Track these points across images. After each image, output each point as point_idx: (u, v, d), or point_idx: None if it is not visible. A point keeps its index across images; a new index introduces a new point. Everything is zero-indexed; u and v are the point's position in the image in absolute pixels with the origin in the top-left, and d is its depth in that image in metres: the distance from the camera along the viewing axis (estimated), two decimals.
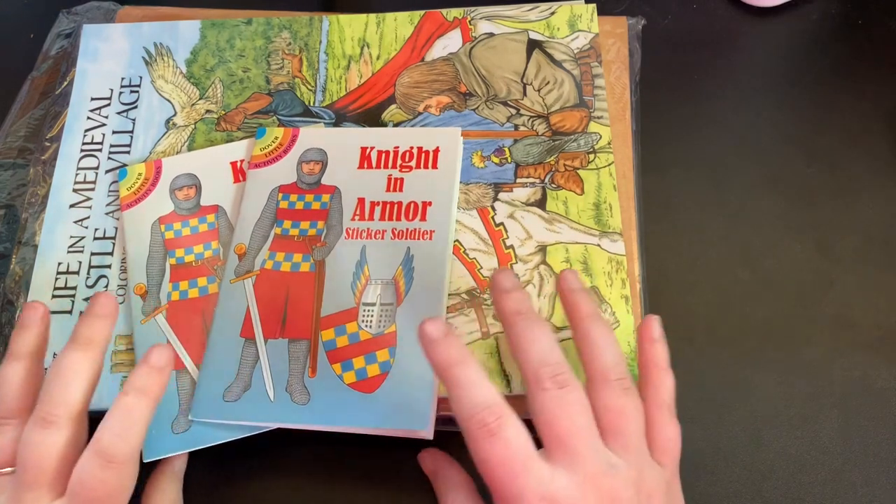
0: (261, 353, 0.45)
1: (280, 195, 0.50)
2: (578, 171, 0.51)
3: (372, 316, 0.45)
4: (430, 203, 0.48)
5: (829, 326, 0.50)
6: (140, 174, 0.51)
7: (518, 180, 0.51)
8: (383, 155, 0.50)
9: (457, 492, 0.41)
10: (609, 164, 0.51)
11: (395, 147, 0.50)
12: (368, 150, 0.50)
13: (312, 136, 0.51)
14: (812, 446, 0.46)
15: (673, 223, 0.53)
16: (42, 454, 0.36)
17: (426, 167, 0.49)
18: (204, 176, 0.51)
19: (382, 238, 0.47)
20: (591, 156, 0.51)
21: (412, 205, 0.48)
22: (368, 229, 0.47)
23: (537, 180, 0.51)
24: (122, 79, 0.56)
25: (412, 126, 0.53)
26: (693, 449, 0.46)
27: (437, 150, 0.49)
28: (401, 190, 0.48)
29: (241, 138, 0.53)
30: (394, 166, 0.49)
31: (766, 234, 0.53)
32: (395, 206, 0.48)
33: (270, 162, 0.51)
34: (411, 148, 0.49)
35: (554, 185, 0.50)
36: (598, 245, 0.48)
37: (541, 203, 0.50)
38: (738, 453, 0.46)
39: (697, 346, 0.49)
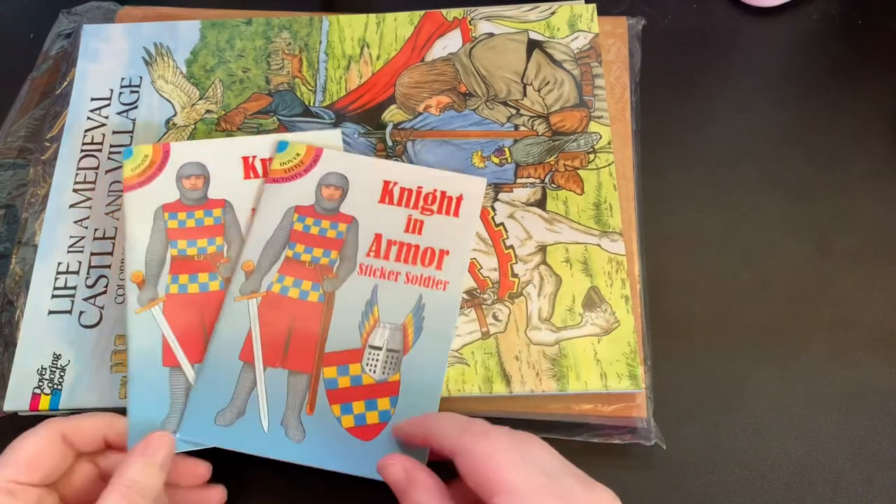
0: (258, 381, 0.44)
1: (296, 216, 0.48)
2: (578, 171, 0.51)
3: (377, 361, 0.44)
4: (447, 252, 0.47)
5: (829, 326, 0.50)
6: (146, 156, 0.50)
7: (518, 180, 0.51)
8: (406, 193, 0.48)
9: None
10: (609, 164, 0.51)
11: (419, 187, 0.48)
12: (391, 185, 0.49)
13: (336, 158, 0.50)
14: (812, 446, 0.46)
15: (673, 223, 0.53)
16: None
17: (447, 213, 0.48)
18: (213, 167, 0.50)
19: (396, 280, 0.46)
20: (591, 156, 0.51)
21: (429, 251, 0.47)
22: (383, 269, 0.46)
23: (537, 180, 0.51)
24: (122, 79, 0.56)
25: (411, 125, 0.53)
26: (693, 449, 0.46)
27: (460, 198, 0.48)
28: (420, 233, 0.47)
29: None
30: (415, 207, 0.48)
31: (766, 234, 0.53)
32: (413, 248, 0.47)
33: (290, 178, 0.49)
34: (435, 191, 0.48)
35: (554, 185, 0.50)
36: (599, 245, 0.48)
37: (541, 203, 0.50)
38: (738, 453, 0.46)
39: (697, 346, 0.49)
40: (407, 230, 0.47)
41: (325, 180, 0.49)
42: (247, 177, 0.50)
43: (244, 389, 0.44)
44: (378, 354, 0.44)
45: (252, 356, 0.45)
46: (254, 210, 0.49)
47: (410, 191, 0.48)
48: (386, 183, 0.49)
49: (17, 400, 0.46)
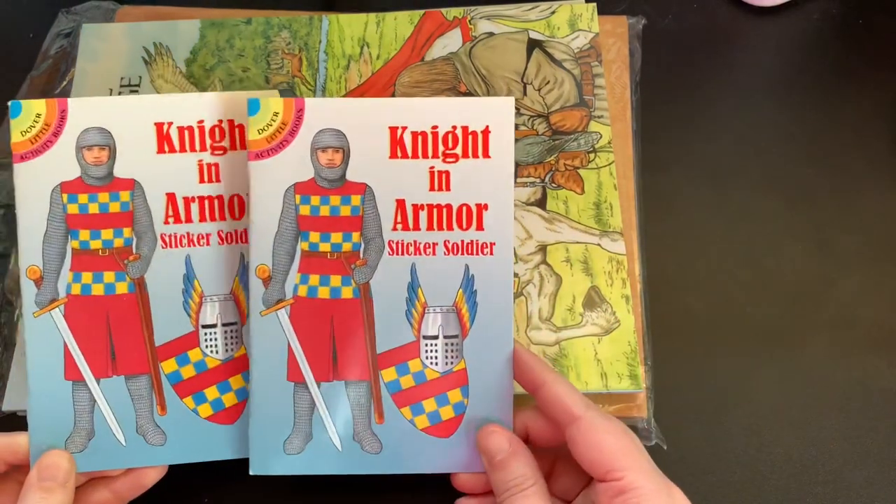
0: (316, 400, 0.40)
1: (298, 198, 0.40)
2: (579, 171, 0.51)
3: (436, 351, 0.40)
4: (485, 206, 0.40)
5: (829, 326, 0.50)
6: (39, 115, 0.41)
7: (518, 180, 0.51)
8: (420, 138, 0.40)
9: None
10: (609, 164, 0.51)
11: (434, 127, 0.40)
12: (400, 132, 0.40)
13: (324, 110, 0.41)
14: (812, 446, 0.46)
15: (673, 223, 0.53)
16: None
17: (475, 156, 0.40)
18: (121, 137, 0.41)
19: (434, 253, 0.40)
20: (592, 155, 0.51)
21: (464, 208, 0.40)
22: (416, 242, 0.40)
23: (537, 180, 0.51)
24: (122, 78, 0.56)
25: None
26: (693, 449, 0.46)
27: (486, 131, 0.40)
28: (448, 188, 0.40)
29: None
30: (435, 155, 0.40)
31: (766, 234, 0.53)
32: (444, 210, 0.40)
33: (276, 150, 0.40)
34: (454, 128, 0.40)
35: (554, 185, 0.50)
36: (599, 244, 0.48)
37: (541, 202, 0.50)
38: (738, 453, 0.46)
39: (697, 347, 0.49)
40: (432, 188, 0.40)
41: (319, 141, 0.40)
42: (160, 150, 0.41)
43: (304, 411, 0.40)
44: (436, 344, 0.40)
45: (301, 375, 0.40)
46: (248, 168, 0.41)
47: (425, 134, 0.40)
48: (392, 130, 0.40)
49: (16, 400, 0.46)
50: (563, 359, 0.45)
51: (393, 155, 0.40)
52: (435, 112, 0.40)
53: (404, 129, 0.40)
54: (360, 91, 0.55)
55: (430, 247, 0.40)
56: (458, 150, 0.40)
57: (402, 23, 0.57)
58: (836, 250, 0.52)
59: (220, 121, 0.42)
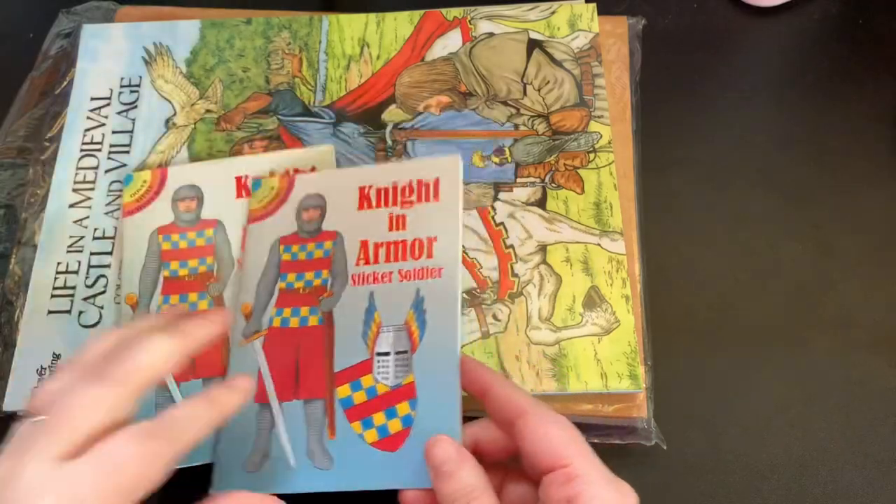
0: (276, 418, 0.43)
1: (282, 247, 0.47)
2: (579, 171, 0.51)
3: (388, 366, 0.42)
4: (434, 238, 0.44)
5: (829, 326, 0.50)
6: (145, 181, 0.51)
7: (518, 180, 0.51)
8: (382, 192, 0.46)
9: None
10: (609, 164, 0.51)
11: (394, 183, 0.46)
12: (367, 190, 0.47)
13: (309, 181, 0.49)
14: (812, 446, 0.46)
15: (673, 223, 0.53)
16: (76, 404, 0.33)
17: (427, 200, 0.45)
18: (207, 188, 0.50)
19: (390, 281, 0.44)
20: (592, 155, 0.51)
21: (417, 242, 0.44)
22: (375, 273, 0.44)
23: (537, 180, 0.51)
24: (122, 78, 0.56)
25: (411, 125, 0.53)
26: (693, 449, 0.46)
27: (437, 181, 0.45)
28: (404, 228, 0.45)
29: (241, 138, 0.53)
30: (394, 203, 0.46)
31: (766, 234, 0.53)
32: (400, 245, 0.45)
33: (269, 213, 0.49)
34: (410, 182, 0.46)
35: (554, 185, 0.50)
36: (599, 244, 0.48)
37: (541, 202, 0.50)
38: (738, 453, 0.46)
39: (697, 346, 0.49)
40: (391, 228, 0.45)
41: (304, 204, 0.48)
42: (239, 196, 0.50)
43: (264, 430, 0.43)
44: (387, 360, 0.43)
45: (266, 396, 0.44)
46: (245, 230, 0.49)
47: (386, 189, 0.46)
48: (361, 189, 0.47)
49: (16, 400, 0.46)
50: (562, 359, 0.45)
51: (360, 207, 0.47)
52: (396, 172, 0.47)
53: (370, 186, 0.47)
54: (361, 91, 0.55)
55: (386, 275, 0.44)
56: (414, 198, 0.46)
57: (402, 23, 0.57)
58: (836, 250, 0.52)
59: (287, 170, 0.51)
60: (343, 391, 0.43)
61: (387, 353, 0.43)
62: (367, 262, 0.45)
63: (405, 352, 0.42)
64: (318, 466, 0.42)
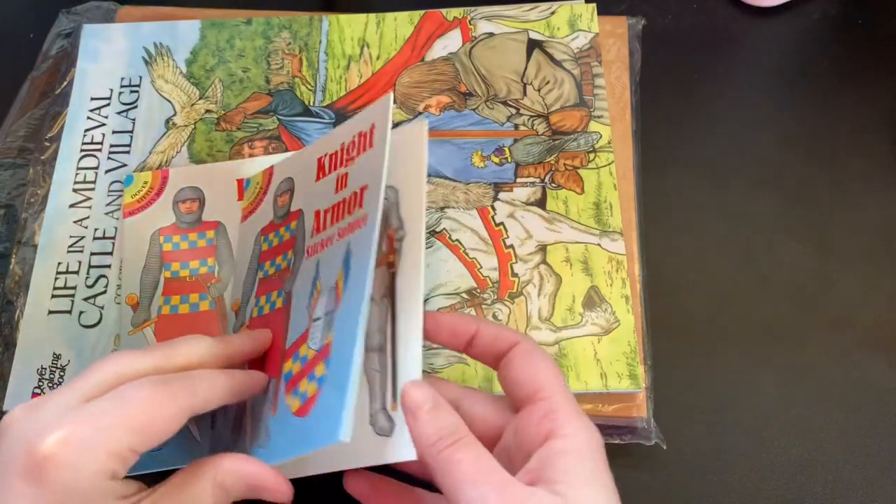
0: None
1: (262, 238, 0.47)
2: (578, 171, 0.51)
3: (317, 330, 0.39)
4: (366, 186, 0.40)
5: (829, 326, 0.50)
6: (146, 182, 0.51)
7: (518, 180, 0.51)
8: (335, 158, 0.44)
9: None
10: (609, 164, 0.51)
11: (342, 144, 0.43)
12: (323, 159, 0.45)
13: (284, 167, 0.48)
14: (812, 446, 0.46)
15: (673, 223, 0.53)
16: (108, 358, 0.36)
17: (364, 150, 0.41)
18: (209, 191, 0.50)
19: (332, 244, 0.41)
20: (592, 155, 0.51)
21: (353, 196, 0.41)
22: (322, 240, 0.42)
23: (537, 180, 0.51)
24: (122, 79, 0.56)
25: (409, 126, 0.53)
26: (693, 449, 0.46)
27: (372, 128, 0.41)
28: (345, 186, 0.42)
29: (241, 138, 0.53)
30: (342, 164, 0.43)
31: (766, 234, 0.53)
32: (341, 204, 0.42)
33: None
34: (353, 138, 0.43)
35: (554, 185, 0.50)
36: (599, 244, 0.48)
37: (541, 202, 0.50)
38: (738, 453, 0.46)
39: (697, 346, 0.49)
40: (337, 190, 0.42)
41: (279, 190, 0.48)
42: (240, 198, 0.50)
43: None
44: (318, 324, 0.39)
45: None
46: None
47: (336, 152, 0.44)
48: (320, 160, 0.45)
49: (16, 400, 0.46)
50: (562, 359, 0.45)
51: (318, 178, 0.45)
52: (342, 132, 0.44)
53: (325, 154, 0.45)
54: (361, 91, 0.55)
55: (329, 240, 0.42)
56: (355, 153, 0.43)
57: (402, 23, 0.57)
58: (836, 250, 0.52)
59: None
60: (287, 366, 0.40)
61: (319, 318, 0.40)
62: (318, 231, 0.43)
63: (331, 311, 0.39)
64: (259, 446, 0.39)
